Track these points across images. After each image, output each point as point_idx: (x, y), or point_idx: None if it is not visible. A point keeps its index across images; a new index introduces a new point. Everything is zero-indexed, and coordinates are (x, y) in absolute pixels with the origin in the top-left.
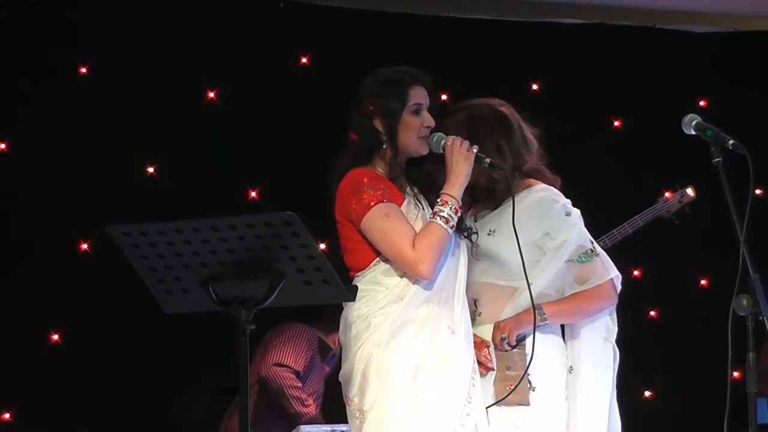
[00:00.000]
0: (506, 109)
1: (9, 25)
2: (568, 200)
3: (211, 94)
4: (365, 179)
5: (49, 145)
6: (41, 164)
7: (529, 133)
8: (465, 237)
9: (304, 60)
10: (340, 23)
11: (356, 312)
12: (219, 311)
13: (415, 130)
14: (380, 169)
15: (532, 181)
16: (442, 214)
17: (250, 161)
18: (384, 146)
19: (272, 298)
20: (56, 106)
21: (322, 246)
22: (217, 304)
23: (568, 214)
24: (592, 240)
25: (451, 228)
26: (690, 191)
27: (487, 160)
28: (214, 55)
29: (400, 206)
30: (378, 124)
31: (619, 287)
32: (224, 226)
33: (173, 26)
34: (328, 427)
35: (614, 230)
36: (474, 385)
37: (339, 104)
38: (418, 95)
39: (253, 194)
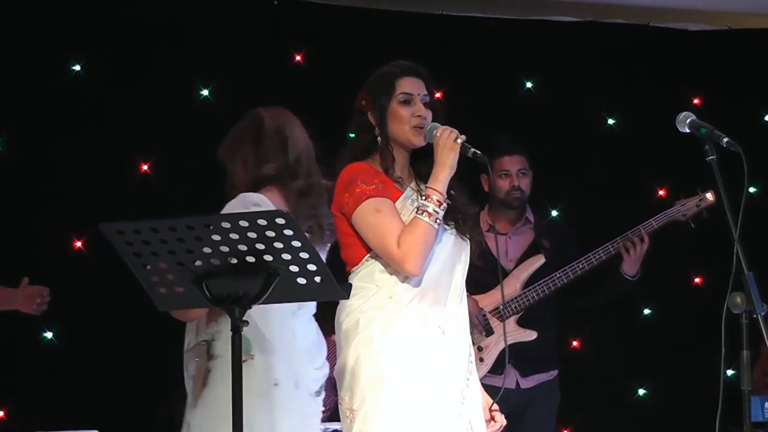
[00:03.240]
0: (269, 114)
1: (3, 22)
2: (258, 206)
3: (205, 92)
4: (359, 173)
5: (41, 143)
6: (34, 162)
7: (299, 138)
8: (467, 238)
9: (298, 58)
10: (334, 21)
11: (347, 309)
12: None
13: (404, 120)
14: (377, 164)
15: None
16: (425, 209)
17: None
18: (378, 139)
19: (266, 295)
20: (49, 103)
21: None
22: (210, 302)
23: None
24: None
25: (435, 222)
26: (709, 195)
27: (471, 151)
28: (208, 52)
29: (394, 201)
30: (371, 118)
31: None
32: (218, 224)
33: (167, 24)
34: (321, 426)
35: (628, 232)
36: (468, 386)
37: (333, 102)
38: (407, 85)
39: None
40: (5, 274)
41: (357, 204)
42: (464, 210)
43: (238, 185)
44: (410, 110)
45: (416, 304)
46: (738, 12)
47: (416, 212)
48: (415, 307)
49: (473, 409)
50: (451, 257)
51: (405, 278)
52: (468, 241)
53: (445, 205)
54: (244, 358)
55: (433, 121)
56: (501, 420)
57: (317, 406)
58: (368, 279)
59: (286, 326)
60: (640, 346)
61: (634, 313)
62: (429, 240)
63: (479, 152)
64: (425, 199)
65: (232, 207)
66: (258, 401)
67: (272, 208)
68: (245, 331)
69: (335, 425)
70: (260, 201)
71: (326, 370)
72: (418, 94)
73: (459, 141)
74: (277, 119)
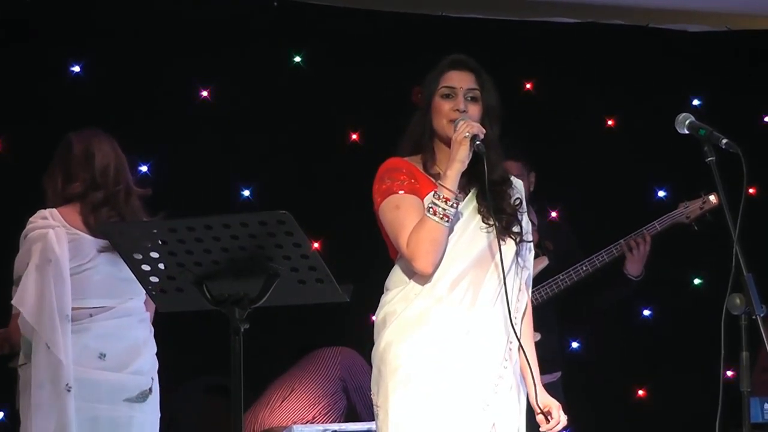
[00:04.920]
0: (77, 137)
1: (3, 24)
2: (40, 224)
3: (205, 93)
4: (387, 170)
5: (42, 145)
6: (35, 163)
7: (107, 153)
8: (509, 240)
9: (297, 59)
10: (334, 22)
11: (381, 303)
12: (213, 310)
13: (442, 114)
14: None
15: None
16: (432, 206)
17: (243, 160)
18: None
19: (266, 297)
20: (49, 104)
21: (316, 245)
22: (211, 303)
23: (24, 237)
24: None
25: (443, 219)
26: (713, 198)
27: (477, 143)
28: (207, 53)
29: (423, 197)
30: (423, 110)
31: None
32: (218, 225)
33: (166, 25)
34: (321, 427)
35: (631, 234)
36: (496, 393)
37: (332, 103)
38: (451, 79)
39: (247, 193)
40: (5, 276)
41: (381, 200)
42: (509, 212)
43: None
44: (450, 104)
45: (442, 302)
46: (737, 13)
47: (426, 211)
48: (440, 306)
49: (501, 414)
50: (484, 258)
51: (427, 279)
52: (509, 242)
53: (453, 201)
54: (23, 361)
55: (485, 116)
56: (558, 418)
57: (137, 411)
58: (402, 274)
59: (59, 329)
60: (639, 348)
61: (634, 315)
62: (436, 238)
63: (481, 144)
64: (432, 196)
65: (29, 221)
66: (26, 402)
67: (61, 219)
68: (29, 335)
69: (334, 426)
70: (49, 215)
71: (147, 375)
72: (461, 88)
73: (467, 134)
74: (85, 140)
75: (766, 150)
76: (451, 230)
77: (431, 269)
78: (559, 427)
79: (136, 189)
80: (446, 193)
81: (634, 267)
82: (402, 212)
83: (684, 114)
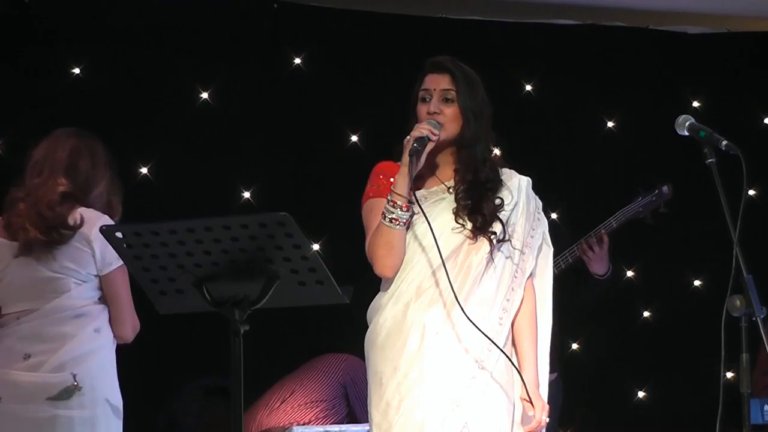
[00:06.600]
0: (44, 139)
1: (2, 24)
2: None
3: (205, 95)
4: (372, 174)
5: None
6: None
7: (44, 146)
8: (482, 239)
9: (297, 61)
10: (333, 24)
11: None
12: (213, 312)
13: (419, 117)
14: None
15: None
16: (384, 210)
17: (243, 162)
18: None
19: (266, 298)
20: (49, 106)
21: (316, 247)
22: (211, 305)
23: None
24: None
25: (392, 222)
26: (666, 189)
27: (413, 144)
28: (207, 55)
29: None
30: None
31: None
32: (218, 227)
33: (166, 27)
34: (321, 428)
35: (589, 234)
36: (469, 393)
37: (332, 104)
38: (427, 82)
39: (247, 195)
40: None
41: (362, 205)
42: (486, 212)
43: None
44: (426, 107)
45: (415, 301)
46: (737, 15)
47: (380, 215)
48: (411, 306)
49: (474, 414)
50: (454, 258)
51: (402, 279)
52: (480, 242)
53: (401, 203)
54: None
55: (462, 116)
56: (539, 418)
57: (61, 409)
58: (383, 280)
59: None
60: (639, 349)
61: (634, 316)
62: (389, 241)
63: (416, 146)
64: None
65: None
66: None
67: None
68: None
69: (335, 427)
70: None
71: (66, 371)
72: (436, 90)
73: (408, 138)
74: (41, 144)
75: (766, 151)
76: (423, 231)
77: (388, 271)
78: (539, 427)
79: (61, 181)
80: (394, 197)
81: (597, 266)
82: (371, 216)
83: (684, 116)
